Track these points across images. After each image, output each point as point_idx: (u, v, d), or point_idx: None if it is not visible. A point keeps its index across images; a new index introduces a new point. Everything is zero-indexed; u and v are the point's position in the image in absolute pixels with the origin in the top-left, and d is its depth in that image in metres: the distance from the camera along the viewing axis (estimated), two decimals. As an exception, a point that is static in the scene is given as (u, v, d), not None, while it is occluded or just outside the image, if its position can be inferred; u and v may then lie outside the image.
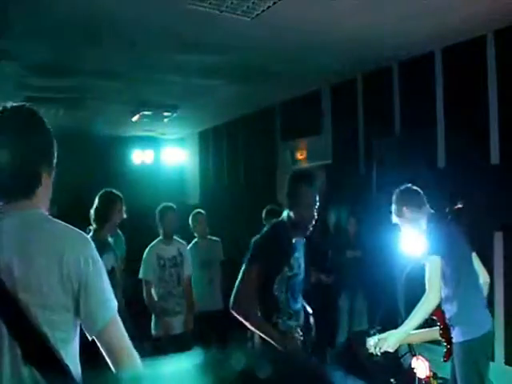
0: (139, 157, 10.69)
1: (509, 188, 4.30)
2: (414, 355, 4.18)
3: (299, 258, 3.05)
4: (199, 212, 5.60)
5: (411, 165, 4.77)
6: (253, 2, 3.81)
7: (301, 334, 2.97)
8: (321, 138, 6.84)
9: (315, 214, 2.97)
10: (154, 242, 4.83)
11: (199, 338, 4.96)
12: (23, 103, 1.55)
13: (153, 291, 4.70)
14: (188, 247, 5.19)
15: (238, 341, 4.76)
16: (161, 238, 4.82)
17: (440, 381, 4.56)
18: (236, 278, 2.90)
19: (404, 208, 3.37)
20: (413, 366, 4.14)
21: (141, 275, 4.73)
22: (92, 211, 3.93)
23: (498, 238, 4.60)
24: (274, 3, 3.82)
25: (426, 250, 3.17)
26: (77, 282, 1.48)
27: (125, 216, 4.07)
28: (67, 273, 1.46)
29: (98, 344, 1.53)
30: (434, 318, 3.33)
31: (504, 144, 4.49)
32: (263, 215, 5.46)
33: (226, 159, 9.59)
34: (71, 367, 1.46)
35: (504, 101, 4.46)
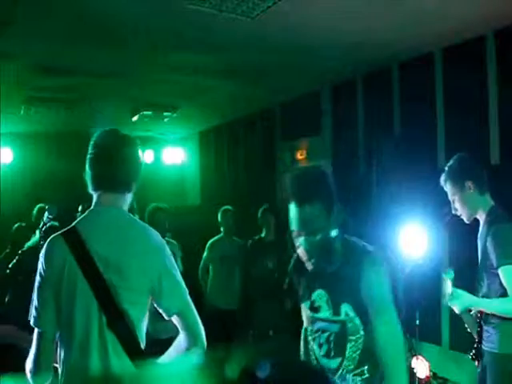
0: (139, 157, 10.68)
1: (509, 188, 4.30)
2: (414, 355, 4.18)
3: (340, 295, 2.03)
4: (227, 209, 5.61)
5: (411, 165, 4.77)
6: (253, 2, 3.81)
7: None
8: (321, 137, 6.84)
9: None
10: None
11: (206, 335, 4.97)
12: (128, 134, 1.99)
13: None
14: (212, 240, 5.36)
15: (242, 343, 4.75)
16: None
17: (440, 381, 4.56)
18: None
19: (469, 183, 2.68)
20: (413, 366, 4.14)
21: None
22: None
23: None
24: (274, 3, 3.82)
25: (499, 257, 2.54)
26: (157, 270, 1.82)
27: None
28: (150, 263, 1.82)
29: (175, 321, 1.86)
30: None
31: (504, 144, 4.48)
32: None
33: (226, 159, 9.59)
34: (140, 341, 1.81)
35: (504, 101, 4.45)
